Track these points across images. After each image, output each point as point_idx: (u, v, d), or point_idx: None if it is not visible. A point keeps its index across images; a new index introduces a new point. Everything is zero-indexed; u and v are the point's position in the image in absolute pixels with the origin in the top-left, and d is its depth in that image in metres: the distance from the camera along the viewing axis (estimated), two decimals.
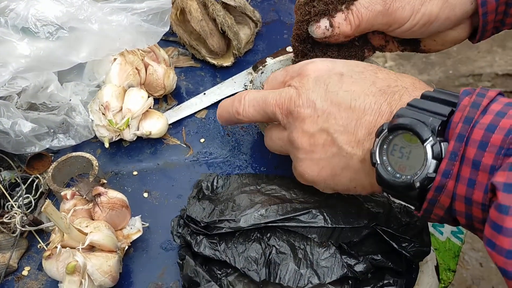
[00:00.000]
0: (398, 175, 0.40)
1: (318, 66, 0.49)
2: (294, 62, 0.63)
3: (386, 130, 0.41)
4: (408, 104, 0.41)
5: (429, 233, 0.52)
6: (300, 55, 0.62)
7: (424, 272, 0.54)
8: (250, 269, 0.49)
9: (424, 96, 0.41)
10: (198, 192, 0.57)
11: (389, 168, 0.41)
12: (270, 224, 0.51)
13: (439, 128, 0.38)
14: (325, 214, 0.51)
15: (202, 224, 0.52)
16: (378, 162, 0.42)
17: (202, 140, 0.68)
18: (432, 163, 0.38)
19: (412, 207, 0.44)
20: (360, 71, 0.47)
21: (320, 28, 0.56)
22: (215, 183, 0.59)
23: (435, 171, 0.38)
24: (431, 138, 0.38)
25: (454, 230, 0.71)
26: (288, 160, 0.64)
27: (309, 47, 0.60)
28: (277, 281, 0.48)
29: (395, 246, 0.50)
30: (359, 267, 0.49)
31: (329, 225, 0.51)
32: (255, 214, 0.51)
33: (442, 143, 0.38)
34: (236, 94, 0.55)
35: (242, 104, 0.53)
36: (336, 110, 0.45)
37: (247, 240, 0.51)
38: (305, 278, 0.48)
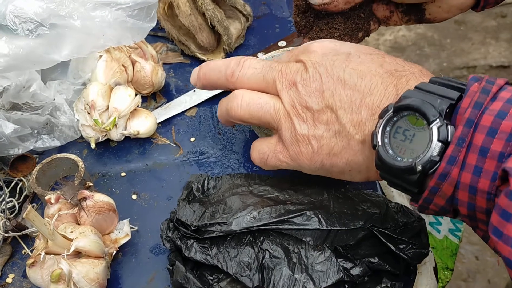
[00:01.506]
0: (399, 158, 0.39)
1: (325, 44, 0.48)
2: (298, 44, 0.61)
3: (391, 111, 0.40)
4: (416, 87, 0.40)
5: (427, 234, 0.51)
6: (304, 30, 0.60)
7: (422, 273, 0.52)
8: (242, 274, 0.47)
9: (432, 81, 0.40)
10: (188, 194, 0.55)
11: (390, 151, 0.40)
12: (263, 227, 0.49)
13: (447, 110, 0.37)
14: (319, 216, 0.49)
15: (193, 228, 0.50)
16: (379, 143, 0.40)
17: (192, 139, 0.66)
18: (437, 145, 0.36)
19: (409, 196, 0.42)
20: (368, 53, 0.46)
21: None
22: (205, 184, 0.57)
23: (439, 155, 0.36)
24: (438, 120, 0.37)
25: (452, 228, 0.70)
26: None
27: (312, 21, 0.59)
28: (270, 287, 0.47)
29: (393, 248, 0.48)
30: (356, 271, 0.48)
31: (324, 227, 0.49)
32: (248, 217, 0.50)
33: (449, 126, 0.36)
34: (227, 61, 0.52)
35: (240, 65, 0.51)
36: (341, 87, 0.44)
37: (240, 244, 0.49)
38: (299, 283, 0.47)
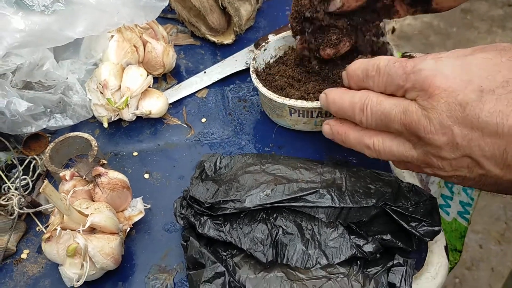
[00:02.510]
0: None
1: (449, 80, 0.40)
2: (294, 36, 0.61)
3: None
4: None
5: (439, 212, 0.51)
6: (299, 33, 0.60)
7: (433, 252, 0.52)
8: (256, 250, 0.48)
9: None
10: (201, 173, 0.56)
11: None
12: (276, 205, 0.49)
13: None
14: (332, 193, 0.50)
15: (206, 205, 0.50)
16: None
17: (203, 120, 0.66)
18: None
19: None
20: (504, 80, 0.39)
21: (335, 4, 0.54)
22: (218, 163, 0.57)
23: None
24: None
25: (461, 211, 0.70)
26: (293, 141, 0.62)
27: (307, 26, 0.58)
28: (284, 262, 0.47)
29: (405, 225, 0.49)
30: (368, 247, 0.48)
31: (337, 205, 0.49)
32: (261, 194, 0.50)
33: None
34: (352, 94, 0.47)
35: (365, 115, 0.46)
36: (479, 135, 0.39)
37: (253, 220, 0.50)
38: (313, 258, 0.47)
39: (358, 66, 0.48)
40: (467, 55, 0.42)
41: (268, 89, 0.59)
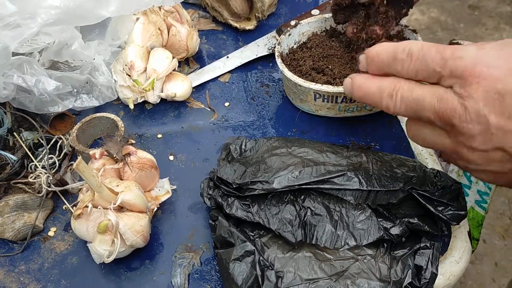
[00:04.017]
0: None
1: (490, 70, 0.39)
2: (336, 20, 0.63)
3: None
4: None
5: (464, 197, 0.52)
6: (342, 22, 0.62)
7: (457, 237, 0.53)
8: (285, 230, 0.48)
9: None
10: (227, 155, 0.56)
11: None
12: (304, 186, 0.50)
13: None
14: (360, 176, 0.50)
15: (234, 186, 0.51)
16: None
17: (226, 104, 0.66)
18: None
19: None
20: None
21: None
22: (243, 146, 0.58)
23: None
24: None
25: (478, 200, 0.71)
26: (316, 127, 0.63)
27: (349, 15, 0.61)
28: (313, 242, 0.48)
29: (432, 209, 0.49)
30: (395, 230, 0.49)
31: (365, 188, 0.50)
32: (289, 176, 0.50)
33: None
34: (380, 80, 0.46)
35: (393, 101, 0.44)
36: None
37: (280, 202, 0.50)
38: (342, 239, 0.48)
39: (383, 49, 0.45)
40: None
41: (293, 74, 0.60)
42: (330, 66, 0.61)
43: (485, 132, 0.39)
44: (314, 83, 0.58)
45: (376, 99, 0.46)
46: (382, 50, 0.45)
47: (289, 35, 0.65)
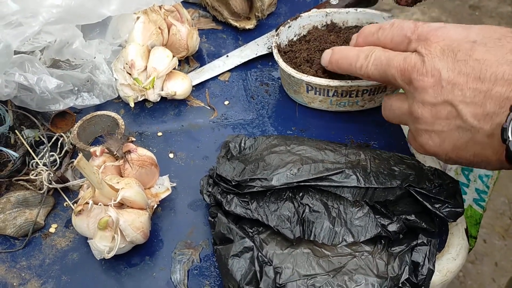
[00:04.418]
0: None
1: (450, 33, 0.45)
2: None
3: None
4: None
5: (461, 194, 0.52)
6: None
7: (454, 234, 0.54)
8: (283, 227, 0.49)
9: None
10: (227, 152, 0.57)
11: None
12: (303, 184, 0.50)
13: None
14: (358, 174, 0.51)
15: (233, 183, 0.51)
16: (510, 138, 0.38)
17: (226, 102, 0.67)
18: None
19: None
20: (497, 38, 0.42)
21: None
22: (242, 144, 0.58)
23: None
24: None
25: (476, 198, 0.71)
26: (315, 125, 0.63)
27: None
28: (311, 239, 0.48)
29: (429, 206, 0.50)
30: (393, 227, 0.49)
31: (362, 185, 0.50)
32: (288, 173, 0.51)
33: None
34: (360, 47, 0.53)
35: (367, 61, 0.51)
36: (464, 80, 0.42)
37: (279, 199, 0.51)
38: (339, 236, 0.48)
39: (373, 25, 0.54)
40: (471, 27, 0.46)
41: (287, 65, 0.61)
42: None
43: (436, 85, 0.44)
44: (306, 75, 0.59)
45: (353, 60, 0.53)
46: (372, 25, 0.54)
47: (289, 27, 0.66)
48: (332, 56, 0.56)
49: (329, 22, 0.68)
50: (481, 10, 2.48)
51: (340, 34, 0.66)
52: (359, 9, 0.68)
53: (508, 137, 0.38)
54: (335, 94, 0.61)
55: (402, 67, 0.46)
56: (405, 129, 0.63)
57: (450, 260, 0.52)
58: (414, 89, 0.46)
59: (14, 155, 0.54)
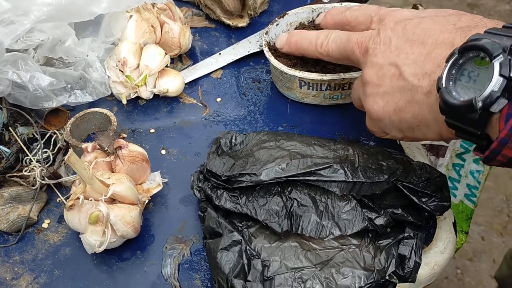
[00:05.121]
0: (461, 98, 0.39)
1: (404, 12, 0.50)
2: None
3: (456, 53, 0.40)
4: (485, 32, 0.39)
5: (448, 188, 0.53)
6: None
7: (442, 228, 0.54)
8: (272, 221, 0.49)
9: (504, 26, 0.40)
10: (217, 148, 0.57)
11: (453, 93, 0.40)
12: (291, 178, 0.51)
13: None
14: (345, 169, 0.51)
15: (223, 178, 0.52)
16: (443, 85, 0.40)
17: (218, 99, 0.68)
18: (498, 80, 0.36)
19: (475, 144, 0.42)
20: (444, 15, 0.47)
21: None
22: (233, 140, 0.59)
23: (502, 90, 0.36)
24: (501, 55, 0.36)
25: (468, 193, 0.72)
26: (307, 122, 0.64)
27: None
28: (299, 232, 0.49)
29: (416, 200, 0.50)
30: (380, 221, 0.50)
31: (350, 180, 0.51)
32: (276, 168, 0.51)
33: None
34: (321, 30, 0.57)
35: (327, 39, 0.55)
36: (409, 46, 0.46)
37: (268, 193, 0.51)
38: (327, 229, 0.49)
39: (342, 6, 0.59)
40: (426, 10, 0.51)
41: (279, 62, 0.61)
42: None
43: (386, 49, 0.48)
44: (299, 71, 0.60)
45: (313, 39, 0.56)
46: (341, 6, 0.60)
47: (277, 25, 0.67)
48: (289, 38, 0.60)
49: (315, 18, 0.69)
50: (479, 8, 2.49)
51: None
52: (344, 3, 0.68)
53: (442, 85, 0.40)
54: (328, 88, 0.62)
55: (360, 40, 0.51)
56: None
57: (438, 253, 0.52)
58: (368, 56, 0.49)
59: (6, 151, 0.55)
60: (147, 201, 0.55)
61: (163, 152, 0.62)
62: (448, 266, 1.63)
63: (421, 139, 0.49)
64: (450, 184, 0.72)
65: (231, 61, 0.71)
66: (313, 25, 0.68)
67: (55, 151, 0.60)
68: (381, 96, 0.48)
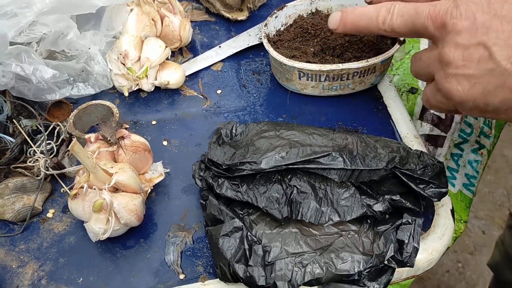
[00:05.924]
0: None
1: None
2: None
3: None
4: None
5: (446, 175, 0.53)
6: None
7: (440, 214, 0.55)
8: (272, 208, 0.50)
9: None
10: (218, 138, 0.58)
11: None
12: (291, 166, 0.52)
13: None
14: (344, 156, 0.52)
15: (224, 167, 0.53)
16: None
17: (219, 91, 0.68)
18: None
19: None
20: None
21: None
22: (234, 130, 0.60)
23: None
24: None
25: (466, 183, 0.73)
26: (306, 109, 0.65)
27: None
28: (298, 218, 0.50)
29: (414, 187, 0.51)
30: (378, 207, 0.50)
31: (349, 167, 0.52)
32: (276, 157, 0.52)
33: None
34: (377, 5, 0.50)
35: (390, 13, 0.48)
36: (499, 23, 0.41)
37: (268, 181, 0.52)
38: (326, 215, 0.50)
39: None
40: None
41: (278, 54, 0.62)
42: (312, 46, 0.64)
43: (471, 27, 0.42)
44: (298, 62, 0.61)
45: (372, 15, 0.49)
46: None
47: (276, 17, 0.68)
48: (344, 16, 0.52)
49: (314, 10, 0.70)
50: None
51: (325, 21, 0.68)
52: None
53: None
54: (327, 78, 0.62)
55: (433, 13, 0.45)
56: (393, 115, 0.64)
57: (436, 239, 0.53)
58: (447, 33, 0.44)
59: (11, 141, 0.56)
60: (149, 190, 0.56)
61: (165, 143, 0.63)
62: (449, 260, 1.64)
63: (504, 119, 0.46)
64: (448, 174, 0.73)
65: (231, 53, 0.72)
66: (312, 17, 0.69)
67: (58, 142, 0.61)
68: (467, 78, 0.43)
